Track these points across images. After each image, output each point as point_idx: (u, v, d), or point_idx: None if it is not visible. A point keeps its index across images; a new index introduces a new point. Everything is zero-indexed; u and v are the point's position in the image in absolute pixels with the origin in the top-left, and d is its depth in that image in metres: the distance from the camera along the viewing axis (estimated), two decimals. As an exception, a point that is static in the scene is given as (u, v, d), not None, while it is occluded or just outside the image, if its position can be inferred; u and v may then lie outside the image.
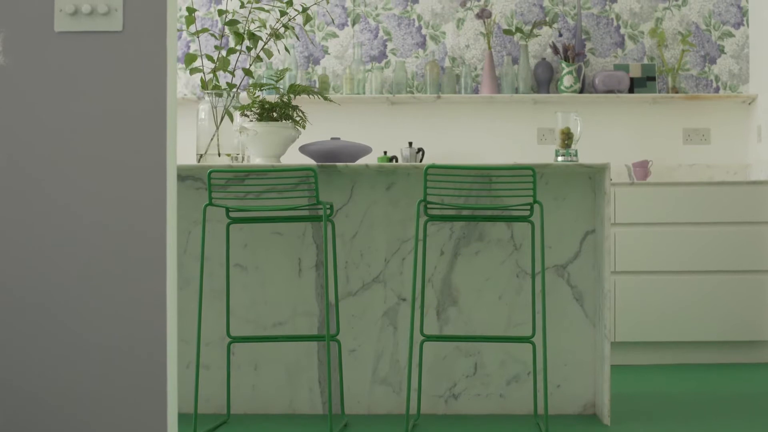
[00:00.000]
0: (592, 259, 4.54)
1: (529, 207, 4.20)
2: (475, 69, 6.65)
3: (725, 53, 6.63)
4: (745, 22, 6.63)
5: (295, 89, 4.67)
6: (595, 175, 4.53)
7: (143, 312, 2.70)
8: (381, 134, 6.63)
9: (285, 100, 4.68)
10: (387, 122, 6.64)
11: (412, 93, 6.65)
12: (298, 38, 4.80)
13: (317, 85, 6.62)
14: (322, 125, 6.64)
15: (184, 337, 4.57)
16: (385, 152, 6.41)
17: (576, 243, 4.55)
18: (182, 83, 6.63)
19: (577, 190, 4.55)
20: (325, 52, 6.68)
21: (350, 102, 6.60)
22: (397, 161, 6.45)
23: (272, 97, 6.36)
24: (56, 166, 2.70)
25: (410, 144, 6.41)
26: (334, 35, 6.68)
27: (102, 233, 2.70)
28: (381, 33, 6.67)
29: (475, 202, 4.50)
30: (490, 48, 6.53)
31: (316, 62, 6.67)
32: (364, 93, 6.53)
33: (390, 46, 6.68)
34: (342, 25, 6.69)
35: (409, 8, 6.68)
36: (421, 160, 6.40)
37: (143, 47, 2.72)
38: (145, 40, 2.72)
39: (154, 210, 2.70)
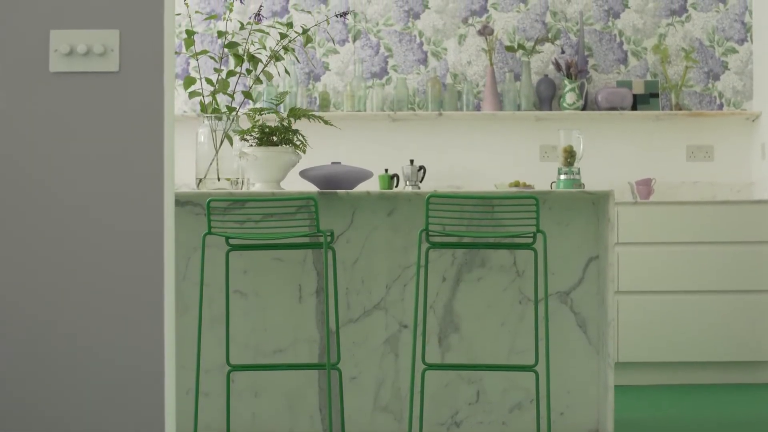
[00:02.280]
0: (595, 286, 4.50)
1: (532, 235, 4.15)
2: (477, 85, 6.60)
3: (729, 69, 6.59)
4: (749, 38, 6.58)
5: (295, 113, 4.63)
6: (599, 200, 4.48)
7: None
8: (382, 151, 6.58)
9: (285, 124, 4.63)
10: (388, 139, 6.59)
11: (414, 110, 6.60)
12: (298, 60, 4.76)
13: (318, 102, 6.57)
14: (322, 142, 6.60)
15: (183, 364, 4.52)
16: (386, 170, 6.37)
17: (579, 269, 4.50)
18: (181, 100, 6.58)
19: (580, 215, 4.51)
20: (326, 68, 6.64)
21: (351, 119, 6.55)
22: (398, 179, 6.40)
23: (272, 117, 6.32)
24: (52, 207, 2.65)
25: (411, 162, 6.36)
26: (335, 51, 6.63)
27: (100, 269, 2.65)
28: (382, 49, 6.63)
29: (477, 229, 4.46)
30: (492, 64, 6.49)
31: (317, 79, 6.63)
32: (365, 110, 6.48)
33: (391, 62, 6.63)
34: (343, 42, 6.64)
35: (410, 24, 6.63)
36: (422, 179, 6.36)
37: (140, 88, 2.67)
38: (142, 80, 2.68)
39: (152, 246, 2.65)
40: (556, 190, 4.25)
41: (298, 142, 4.61)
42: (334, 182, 4.59)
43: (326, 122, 4.57)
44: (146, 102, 2.67)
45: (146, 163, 2.67)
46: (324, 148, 6.59)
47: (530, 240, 4.42)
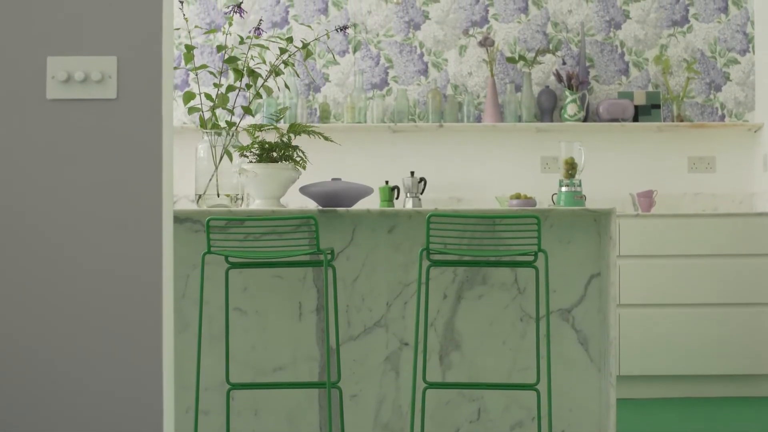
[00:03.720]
0: (597, 303, 4.47)
1: (533, 254, 4.13)
2: (478, 97, 6.58)
3: (731, 80, 6.56)
4: (751, 49, 6.55)
5: (295, 129, 4.60)
6: (601, 217, 4.45)
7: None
8: (382, 163, 6.56)
9: (285, 139, 4.60)
10: (389, 151, 6.57)
11: (414, 121, 6.58)
12: (298, 75, 4.73)
13: (318, 114, 6.55)
14: (323, 155, 6.57)
15: (183, 383, 4.49)
16: (387, 182, 6.34)
17: (581, 286, 4.47)
18: (181, 111, 6.56)
19: (582, 232, 4.48)
20: (326, 79, 6.61)
21: (351, 130, 6.53)
22: (398, 191, 6.38)
23: (271, 131, 6.29)
24: (50, 234, 2.63)
25: (412, 173, 6.34)
26: (335, 62, 6.60)
27: (99, 294, 2.63)
28: (382, 60, 6.60)
29: (478, 246, 4.43)
30: (492, 76, 6.46)
31: (317, 90, 6.60)
32: (365, 121, 6.46)
33: (392, 73, 6.60)
34: (343, 53, 6.61)
35: (410, 35, 6.61)
36: (423, 190, 6.33)
37: (138, 115, 2.65)
38: (140, 107, 2.65)
39: (151, 271, 2.63)
40: (558, 208, 4.23)
41: (298, 159, 4.58)
42: (334, 199, 4.56)
43: (326, 138, 4.54)
44: (144, 129, 2.65)
45: (144, 190, 2.65)
46: (324, 160, 6.56)
47: (532, 258, 4.39)
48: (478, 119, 6.57)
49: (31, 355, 2.63)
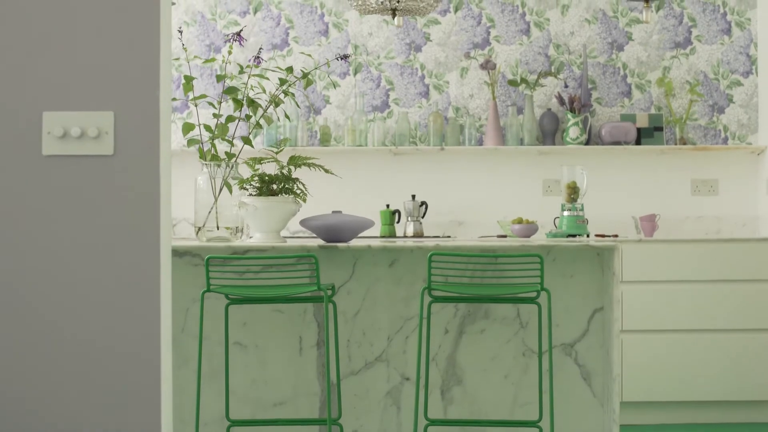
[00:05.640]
0: (600, 338, 4.43)
1: (536, 291, 4.09)
2: (480, 119, 6.54)
3: (734, 102, 6.52)
4: (754, 71, 6.52)
5: (295, 161, 4.57)
6: (604, 252, 4.41)
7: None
8: (383, 186, 6.52)
9: (285, 172, 4.57)
10: (390, 174, 6.53)
11: (416, 144, 6.54)
12: (298, 106, 4.69)
13: (318, 136, 6.51)
14: (323, 178, 6.53)
15: (182, 417, 4.45)
16: (388, 205, 6.30)
17: (584, 321, 4.44)
18: (180, 134, 6.52)
19: (585, 266, 4.44)
20: (327, 101, 6.57)
21: (352, 153, 6.49)
22: (400, 215, 6.34)
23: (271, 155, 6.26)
24: (47, 292, 2.59)
25: (413, 197, 6.30)
26: (336, 85, 6.57)
27: (95, 347, 2.59)
28: (383, 82, 6.56)
29: (480, 281, 4.39)
30: (494, 98, 6.42)
31: (318, 112, 6.56)
32: (366, 144, 6.42)
33: (393, 95, 6.57)
34: (343, 75, 6.58)
35: (411, 57, 6.57)
36: (424, 214, 6.29)
37: (135, 171, 2.61)
38: (138, 164, 2.61)
39: (149, 333, 2.59)
40: (561, 244, 4.19)
41: (298, 191, 4.54)
42: (335, 231, 4.52)
43: (326, 171, 4.51)
44: (142, 186, 2.61)
45: (142, 247, 2.61)
46: (325, 183, 6.52)
47: (534, 294, 4.35)
48: (480, 142, 6.54)
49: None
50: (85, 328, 2.61)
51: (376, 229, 6.53)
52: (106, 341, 2.61)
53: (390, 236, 6.21)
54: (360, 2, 5.13)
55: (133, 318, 2.61)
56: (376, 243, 4.25)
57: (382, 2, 4.99)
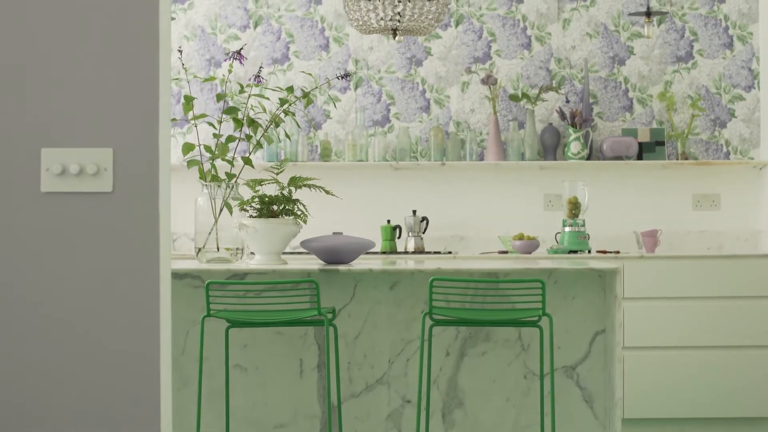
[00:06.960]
0: (602, 361, 4.41)
1: (537, 315, 4.07)
2: (481, 134, 6.52)
3: (736, 117, 6.50)
4: (756, 85, 6.49)
5: (295, 182, 4.55)
6: (606, 274, 4.39)
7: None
8: (384, 201, 6.49)
9: (285, 193, 4.55)
10: (390, 189, 6.50)
11: (416, 159, 6.52)
12: (299, 126, 4.68)
13: (319, 151, 6.49)
14: (324, 195, 6.50)
15: (182, 441, 4.44)
16: (389, 221, 6.28)
17: (585, 343, 4.42)
18: (181, 148, 6.50)
19: (587, 289, 4.42)
20: (327, 116, 6.55)
21: (353, 168, 6.47)
22: (400, 230, 6.32)
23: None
24: (47, 329, 2.57)
25: (414, 212, 6.28)
26: (336, 101, 6.55)
27: (94, 383, 2.58)
28: (384, 97, 6.54)
29: (481, 305, 4.37)
30: (495, 113, 6.40)
31: (318, 127, 6.54)
32: (366, 159, 6.40)
33: (393, 110, 6.55)
34: (344, 89, 6.56)
35: (412, 71, 6.55)
36: (425, 229, 6.27)
37: (134, 209, 2.59)
38: (137, 201, 2.59)
39: (148, 369, 2.57)
40: (563, 267, 4.17)
41: (298, 213, 4.53)
42: (335, 253, 4.50)
43: (327, 192, 4.49)
44: (141, 223, 2.59)
45: (141, 284, 2.59)
46: (325, 199, 6.50)
47: (536, 318, 4.34)
48: (481, 157, 6.52)
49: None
50: (84, 369, 2.59)
51: (376, 245, 6.51)
52: (105, 380, 2.59)
53: (391, 252, 6.19)
54: (361, 23, 5.12)
55: (131, 360, 2.59)
56: (377, 266, 4.23)
57: (383, 22, 4.97)
